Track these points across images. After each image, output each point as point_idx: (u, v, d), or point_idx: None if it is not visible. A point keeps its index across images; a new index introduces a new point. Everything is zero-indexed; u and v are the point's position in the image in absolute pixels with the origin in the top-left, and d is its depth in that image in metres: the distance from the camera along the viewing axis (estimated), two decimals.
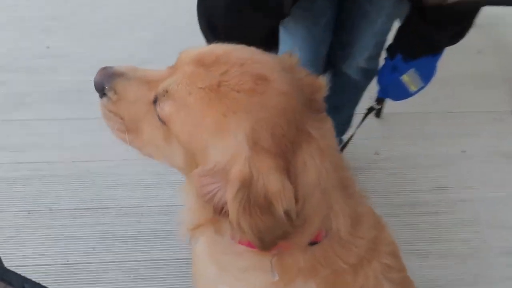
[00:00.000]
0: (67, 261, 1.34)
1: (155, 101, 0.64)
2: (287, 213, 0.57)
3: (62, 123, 1.67)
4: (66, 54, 1.90)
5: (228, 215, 0.58)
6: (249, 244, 0.66)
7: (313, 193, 0.61)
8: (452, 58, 1.87)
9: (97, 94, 0.89)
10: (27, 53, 1.87)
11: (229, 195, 0.57)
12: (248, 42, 0.66)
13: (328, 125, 0.66)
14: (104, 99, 0.71)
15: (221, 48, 0.64)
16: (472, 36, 2.06)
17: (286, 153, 0.59)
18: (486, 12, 1.94)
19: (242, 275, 0.75)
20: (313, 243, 0.68)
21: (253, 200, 0.56)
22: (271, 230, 0.58)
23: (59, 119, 1.69)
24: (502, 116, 1.78)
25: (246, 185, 0.56)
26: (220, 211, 0.60)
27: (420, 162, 1.66)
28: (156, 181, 1.53)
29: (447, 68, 1.82)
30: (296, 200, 0.59)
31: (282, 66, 0.65)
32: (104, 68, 0.71)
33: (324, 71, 1.10)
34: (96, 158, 1.56)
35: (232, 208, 0.57)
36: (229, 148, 0.58)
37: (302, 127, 0.61)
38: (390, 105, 1.48)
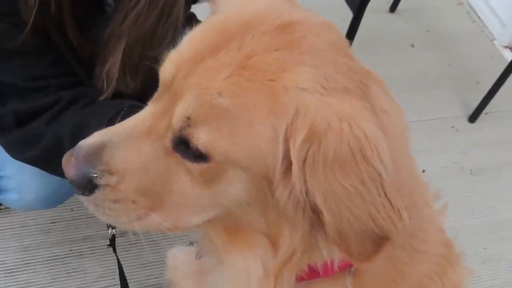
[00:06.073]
0: None
1: (176, 145, 0.54)
2: (380, 171, 0.46)
3: None
4: None
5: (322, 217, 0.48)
6: (326, 271, 0.60)
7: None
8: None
9: None
10: None
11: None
12: None
13: None
14: (97, 193, 0.55)
15: (201, 34, 0.56)
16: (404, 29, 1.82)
17: (365, 94, 0.51)
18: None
19: None
20: None
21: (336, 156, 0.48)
22: (360, 197, 0.46)
23: None
24: (457, 123, 1.43)
25: (317, 138, 0.47)
26: (315, 211, 0.49)
27: None
28: None
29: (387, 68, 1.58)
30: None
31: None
32: (72, 156, 0.55)
33: None
34: None
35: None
36: (308, 105, 0.48)
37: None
38: None
